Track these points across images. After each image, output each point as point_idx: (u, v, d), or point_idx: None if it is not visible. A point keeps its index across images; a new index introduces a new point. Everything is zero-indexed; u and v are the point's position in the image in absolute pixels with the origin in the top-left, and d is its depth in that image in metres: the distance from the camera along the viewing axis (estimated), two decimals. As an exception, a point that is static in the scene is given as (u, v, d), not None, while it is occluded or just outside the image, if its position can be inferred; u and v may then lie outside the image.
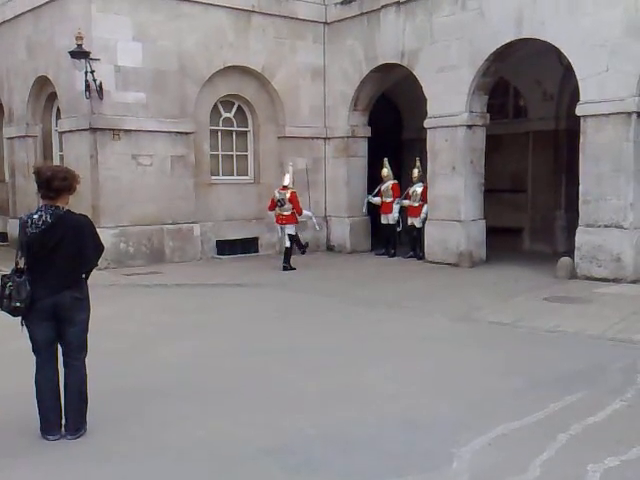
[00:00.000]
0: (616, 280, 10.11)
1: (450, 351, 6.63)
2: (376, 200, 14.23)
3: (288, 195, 12.05)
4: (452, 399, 5.17)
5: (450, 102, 12.30)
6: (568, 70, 11.45)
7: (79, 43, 11.30)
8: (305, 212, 12.45)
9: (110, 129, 11.98)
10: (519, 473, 3.83)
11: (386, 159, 14.05)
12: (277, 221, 12.32)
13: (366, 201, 14.51)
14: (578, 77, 10.58)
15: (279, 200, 12.08)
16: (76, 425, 4.43)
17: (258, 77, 13.89)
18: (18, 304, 4.23)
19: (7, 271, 4.38)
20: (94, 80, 11.53)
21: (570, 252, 11.09)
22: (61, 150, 13.59)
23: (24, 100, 14.21)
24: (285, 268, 12.03)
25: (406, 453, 4.16)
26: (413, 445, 4.28)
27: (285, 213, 12.10)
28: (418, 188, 13.49)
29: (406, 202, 13.74)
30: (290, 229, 12.17)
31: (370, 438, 4.39)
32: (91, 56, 11.43)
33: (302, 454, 4.16)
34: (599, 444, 4.22)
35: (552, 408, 4.89)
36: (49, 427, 4.40)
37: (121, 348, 6.68)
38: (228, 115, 13.95)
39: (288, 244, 12.18)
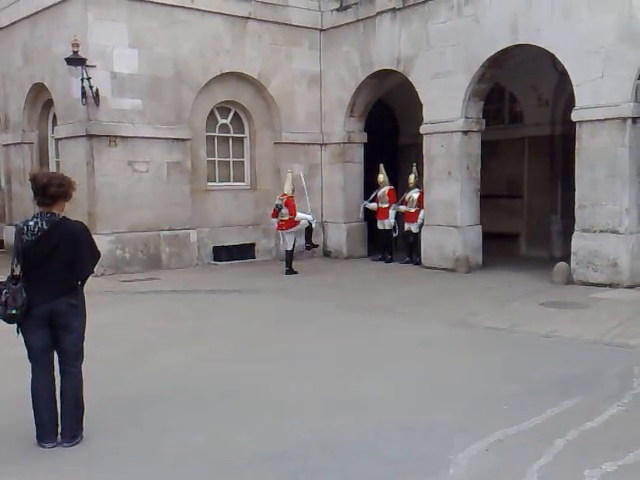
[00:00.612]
0: (612, 285, 10.13)
1: (447, 357, 6.63)
2: (372, 206, 14.26)
3: (284, 200, 12.24)
4: (449, 404, 5.17)
5: (446, 108, 12.33)
6: (563, 76, 11.50)
7: (75, 50, 11.31)
8: (300, 215, 12.52)
9: (106, 136, 11.98)
10: (516, 479, 3.83)
11: (382, 165, 14.07)
12: (278, 227, 12.54)
13: (362, 207, 14.54)
14: (573, 83, 10.62)
15: (277, 205, 12.36)
16: (72, 432, 4.41)
17: (254, 83, 13.91)
18: (14, 311, 4.21)
19: (3, 278, 4.36)
20: (90, 87, 11.55)
21: (566, 257, 11.11)
22: (57, 157, 13.62)
23: (20, 107, 14.21)
24: (288, 272, 12.20)
25: (403, 459, 4.15)
26: (410, 451, 4.27)
27: (284, 218, 12.34)
28: (414, 194, 13.51)
29: (402, 208, 13.75)
30: (297, 234, 12.39)
31: (367, 444, 4.38)
32: (87, 63, 11.45)
33: (300, 460, 4.15)
34: (596, 449, 4.22)
35: (549, 413, 4.88)
36: (45, 434, 4.38)
37: (118, 355, 6.67)
38: (224, 121, 13.97)
39: (290, 247, 12.36)
